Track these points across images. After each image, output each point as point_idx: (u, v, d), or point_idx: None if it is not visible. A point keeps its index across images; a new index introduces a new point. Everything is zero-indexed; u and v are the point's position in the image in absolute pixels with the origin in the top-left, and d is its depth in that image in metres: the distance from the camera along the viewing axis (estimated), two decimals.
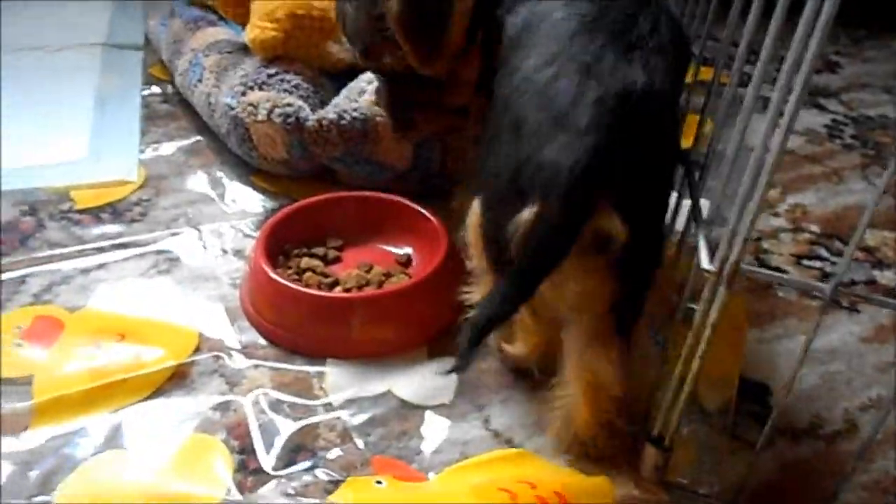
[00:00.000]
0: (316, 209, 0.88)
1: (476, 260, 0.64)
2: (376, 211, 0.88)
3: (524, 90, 0.57)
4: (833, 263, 0.95)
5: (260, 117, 0.88)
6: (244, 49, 1.02)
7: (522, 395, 0.74)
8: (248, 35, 0.97)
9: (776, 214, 1.04)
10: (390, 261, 0.86)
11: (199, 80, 1.02)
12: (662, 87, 0.55)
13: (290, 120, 0.88)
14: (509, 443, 0.69)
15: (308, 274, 0.81)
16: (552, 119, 0.53)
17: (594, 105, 0.52)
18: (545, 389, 0.74)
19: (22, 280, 0.84)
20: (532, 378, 0.75)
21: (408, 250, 0.87)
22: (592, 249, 0.54)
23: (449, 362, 0.76)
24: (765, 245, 0.98)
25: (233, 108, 0.91)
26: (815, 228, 1.01)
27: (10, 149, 1.06)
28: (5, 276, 0.84)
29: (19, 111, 1.15)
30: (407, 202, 0.87)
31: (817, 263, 0.94)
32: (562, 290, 0.57)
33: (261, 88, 0.91)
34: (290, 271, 0.82)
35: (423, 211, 0.86)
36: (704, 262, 0.54)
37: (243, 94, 0.91)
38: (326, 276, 0.81)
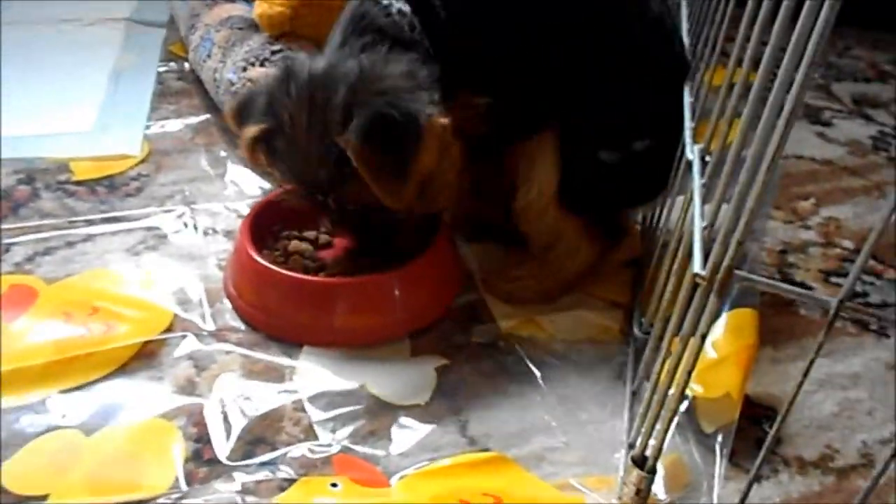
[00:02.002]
0: None
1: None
2: None
3: None
4: (865, 283, 0.87)
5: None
6: (255, 26, 0.99)
7: (507, 401, 0.69)
8: (256, 10, 0.94)
9: (807, 227, 0.96)
10: None
11: (209, 56, 1.00)
12: None
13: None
14: (486, 451, 0.64)
15: (295, 257, 0.78)
16: None
17: None
18: (531, 399, 0.69)
19: (7, 248, 0.82)
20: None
21: None
22: None
23: (432, 360, 0.72)
24: (790, 258, 0.90)
25: (233, 84, 0.88)
26: (848, 244, 0.93)
27: (18, 118, 1.05)
28: None
29: (33, 82, 1.14)
30: None
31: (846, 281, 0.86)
32: None
33: (262, 65, 0.88)
34: (276, 253, 0.78)
35: None
36: (697, 267, 0.48)
37: (244, 69, 0.89)
38: (314, 260, 0.78)
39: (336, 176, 0.68)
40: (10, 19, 1.32)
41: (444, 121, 0.66)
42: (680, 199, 0.73)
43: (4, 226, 0.85)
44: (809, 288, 0.85)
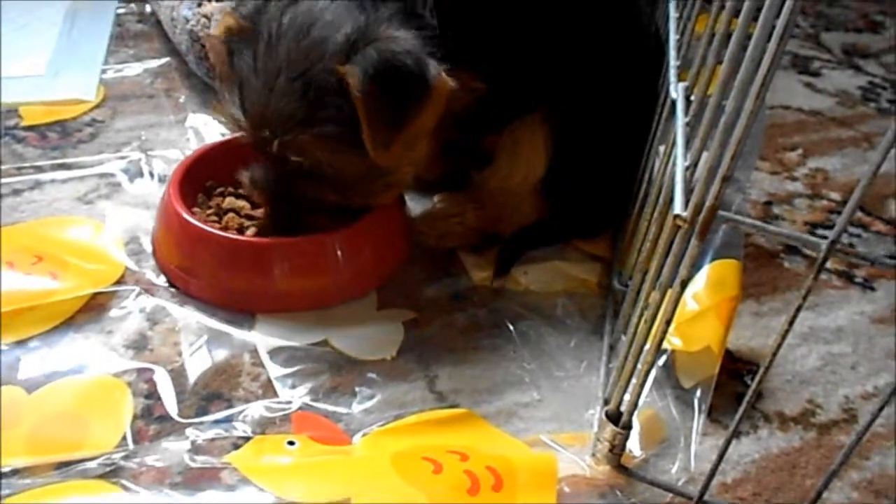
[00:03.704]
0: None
1: None
2: None
3: None
4: (851, 235, 0.84)
5: (213, 30, 0.79)
6: None
7: (478, 356, 0.66)
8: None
9: (793, 178, 0.93)
10: None
11: None
12: None
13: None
14: (454, 407, 0.61)
15: (230, 215, 0.71)
16: None
17: None
18: (503, 353, 0.66)
19: None
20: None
21: None
22: None
23: (400, 314, 0.69)
24: (776, 210, 0.87)
25: (188, 21, 0.83)
26: (835, 196, 0.90)
27: None
28: None
29: None
30: None
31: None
32: None
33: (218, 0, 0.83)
34: (209, 211, 0.72)
35: None
36: (678, 208, 0.45)
37: (199, 4, 0.83)
38: (252, 218, 0.71)
39: (297, 118, 0.61)
40: None
41: (452, 83, 0.60)
42: (661, 149, 0.70)
43: None
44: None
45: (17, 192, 0.78)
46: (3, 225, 0.73)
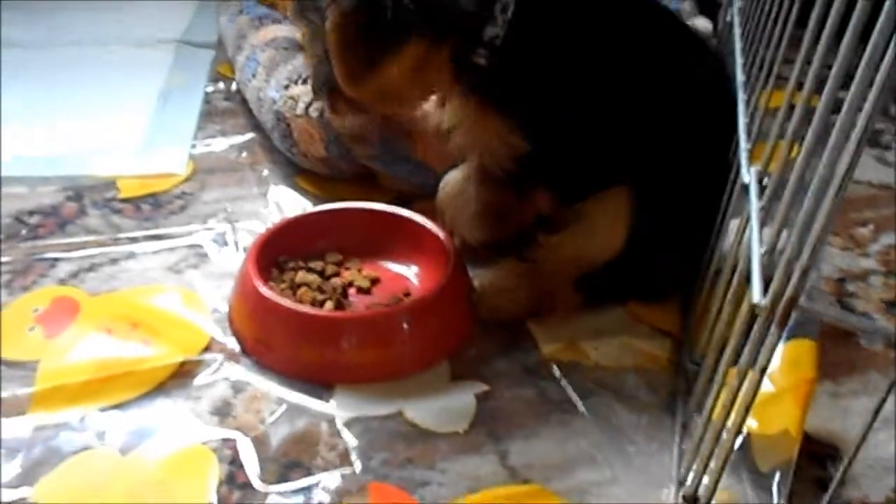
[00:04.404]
0: (316, 221, 0.82)
1: None
2: (380, 225, 0.81)
3: None
4: None
5: (298, 111, 0.85)
6: (298, 46, 0.99)
7: (551, 430, 0.66)
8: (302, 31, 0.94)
9: (866, 255, 0.92)
10: (393, 278, 0.79)
11: (254, 76, 1.00)
12: None
13: (326, 115, 0.83)
14: (527, 483, 0.62)
15: (303, 290, 0.75)
16: None
17: None
18: (574, 428, 0.67)
19: (52, 264, 0.83)
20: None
21: (413, 268, 0.80)
22: None
23: (472, 386, 0.70)
24: (850, 288, 0.86)
25: (275, 102, 0.89)
26: None
27: (68, 136, 1.07)
28: (36, 258, 0.83)
29: (83, 102, 1.16)
30: (413, 216, 0.80)
31: None
32: None
33: (304, 82, 0.88)
34: (283, 285, 0.76)
35: (431, 226, 0.79)
36: (756, 296, 0.45)
37: (286, 87, 0.89)
38: (323, 291, 0.75)
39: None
40: (61, 41, 1.36)
41: (430, 50, 0.61)
42: (733, 222, 0.70)
43: (49, 241, 0.86)
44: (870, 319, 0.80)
45: (114, 262, 0.84)
46: (101, 293, 0.78)
